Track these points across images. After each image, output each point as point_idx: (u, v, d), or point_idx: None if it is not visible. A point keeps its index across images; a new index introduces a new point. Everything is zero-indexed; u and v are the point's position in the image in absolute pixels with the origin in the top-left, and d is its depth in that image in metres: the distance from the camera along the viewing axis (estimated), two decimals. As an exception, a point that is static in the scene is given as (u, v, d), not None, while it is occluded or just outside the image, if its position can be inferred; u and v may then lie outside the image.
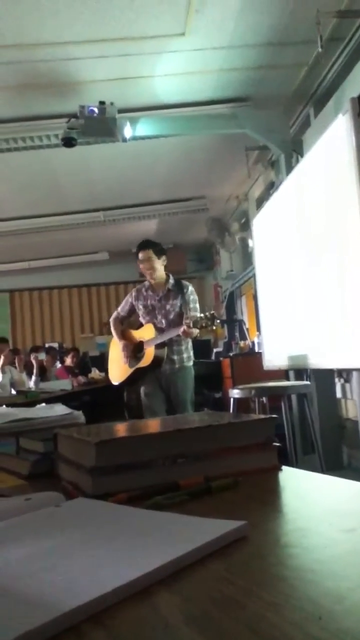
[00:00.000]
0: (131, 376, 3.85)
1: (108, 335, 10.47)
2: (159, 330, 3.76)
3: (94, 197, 6.63)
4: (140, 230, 7.99)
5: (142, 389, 3.87)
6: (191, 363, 3.86)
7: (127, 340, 3.98)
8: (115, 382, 4.11)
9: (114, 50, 3.75)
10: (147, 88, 4.28)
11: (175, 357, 3.77)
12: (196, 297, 3.92)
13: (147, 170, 5.90)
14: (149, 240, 3.96)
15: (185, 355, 3.81)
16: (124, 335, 4.05)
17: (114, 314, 4.17)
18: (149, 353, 3.75)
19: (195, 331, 3.53)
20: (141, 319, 3.98)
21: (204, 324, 3.44)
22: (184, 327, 3.48)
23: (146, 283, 3.97)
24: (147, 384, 3.82)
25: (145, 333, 3.87)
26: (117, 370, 4.06)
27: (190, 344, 3.87)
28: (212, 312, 3.60)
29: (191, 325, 3.45)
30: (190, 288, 3.90)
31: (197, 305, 3.88)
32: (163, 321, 3.82)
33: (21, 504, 0.64)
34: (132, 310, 4.03)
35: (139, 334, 3.96)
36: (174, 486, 0.67)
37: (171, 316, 3.80)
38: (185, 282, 3.94)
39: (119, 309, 4.13)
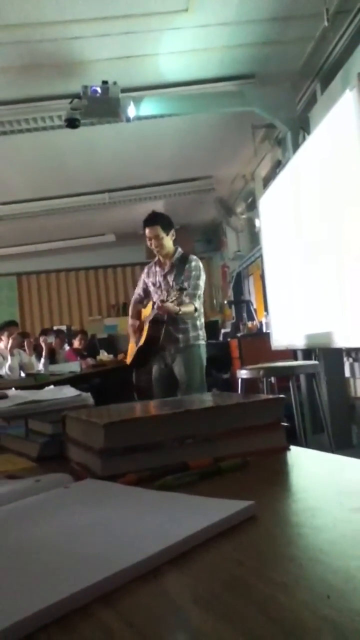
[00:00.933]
0: (137, 356, 3.73)
1: (116, 318, 10.49)
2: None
3: (100, 178, 6.59)
4: (146, 211, 7.91)
5: (152, 374, 3.75)
6: (199, 342, 3.58)
7: (138, 320, 3.85)
8: (128, 363, 4.00)
9: (116, 29, 3.70)
10: (150, 66, 4.23)
11: (180, 336, 3.54)
12: (199, 272, 3.61)
13: (153, 151, 5.85)
14: (155, 213, 3.72)
15: (191, 335, 3.55)
16: (138, 316, 3.90)
17: (133, 297, 4.03)
18: (144, 331, 3.62)
19: (171, 306, 3.29)
20: (152, 296, 3.82)
21: (175, 297, 3.28)
22: (157, 302, 3.32)
23: (156, 258, 3.81)
24: (155, 368, 3.69)
25: (148, 311, 3.75)
26: (130, 350, 3.95)
27: (198, 322, 3.60)
28: (183, 284, 3.41)
29: (169, 299, 3.25)
30: (194, 262, 3.62)
31: (199, 282, 3.58)
32: (156, 296, 3.64)
33: (31, 486, 0.65)
34: (146, 289, 3.87)
35: (145, 313, 3.84)
36: (183, 467, 0.67)
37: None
38: (192, 256, 3.67)
39: (136, 289, 4.00)
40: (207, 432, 0.73)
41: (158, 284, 3.70)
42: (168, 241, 3.63)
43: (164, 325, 3.49)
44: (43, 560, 0.43)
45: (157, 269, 3.75)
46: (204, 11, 3.60)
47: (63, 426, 0.88)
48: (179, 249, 3.69)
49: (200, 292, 3.57)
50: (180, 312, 3.38)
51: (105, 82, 4.04)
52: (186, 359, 3.51)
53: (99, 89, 4.03)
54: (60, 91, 4.40)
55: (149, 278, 3.82)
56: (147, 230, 3.63)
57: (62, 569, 0.41)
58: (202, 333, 3.61)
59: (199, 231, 9.50)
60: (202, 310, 3.63)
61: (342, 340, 3.29)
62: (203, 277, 3.62)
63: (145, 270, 3.90)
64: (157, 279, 3.72)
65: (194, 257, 3.67)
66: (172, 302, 3.30)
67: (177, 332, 3.53)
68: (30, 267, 10.01)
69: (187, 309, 3.44)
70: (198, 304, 3.53)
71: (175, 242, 3.73)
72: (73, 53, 3.93)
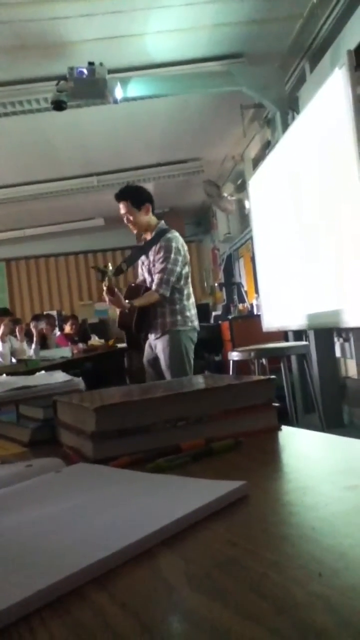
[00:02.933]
0: (128, 341, 3.57)
1: (111, 306, 10.45)
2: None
3: (88, 161, 6.53)
4: (135, 194, 7.90)
5: None
6: (178, 328, 3.19)
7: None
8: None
9: (102, 8, 3.63)
10: (137, 47, 4.16)
11: (158, 321, 3.21)
12: (170, 254, 3.14)
13: (141, 132, 5.79)
14: (126, 187, 3.37)
15: (168, 320, 3.18)
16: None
17: None
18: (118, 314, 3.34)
19: (121, 302, 3.06)
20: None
21: (99, 275, 3.01)
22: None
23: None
24: (146, 352, 3.40)
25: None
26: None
27: (177, 307, 3.20)
28: (104, 264, 3.12)
29: (107, 286, 2.98)
30: (165, 242, 3.17)
31: (168, 265, 3.12)
32: (148, 279, 3.31)
33: (22, 471, 0.65)
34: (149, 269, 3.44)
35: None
36: (175, 449, 0.67)
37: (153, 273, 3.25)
38: (168, 234, 3.21)
39: None
40: (199, 413, 0.73)
41: (142, 262, 3.41)
42: (141, 217, 3.23)
43: (137, 311, 3.16)
44: (35, 545, 0.43)
45: (142, 246, 3.44)
46: (190, -11, 3.54)
47: (54, 411, 0.88)
48: (162, 224, 3.31)
49: (172, 276, 3.13)
50: (136, 305, 3.10)
51: (91, 63, 3.98)
52: (165, 346, 3.20)
53: (85, 70, 3.97)
54: (46, 73, 4.33)
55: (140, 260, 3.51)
56: (120, 206, 3.29)
57: (54, 552, 0.41)
58: (181, 318, 3.21)
59: (188, 214, 9.46)
60: (188, 292, 3.28)
61: (332, 321, 3.30)
62: (176, 257, 3.16)
63: None
64: (141, 259, 3.42)
65: (171, 234, 3.22)
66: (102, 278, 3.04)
67: (156, 317, 3.22)
68: (19, 252, 9.94)
69: (144, 300, 3.14)
70: (165, 290, 3.11)
71: (159, 217, 3.41)
72: (58, 33, 3.86)
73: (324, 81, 3.09)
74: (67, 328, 7.60)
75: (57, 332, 7.65)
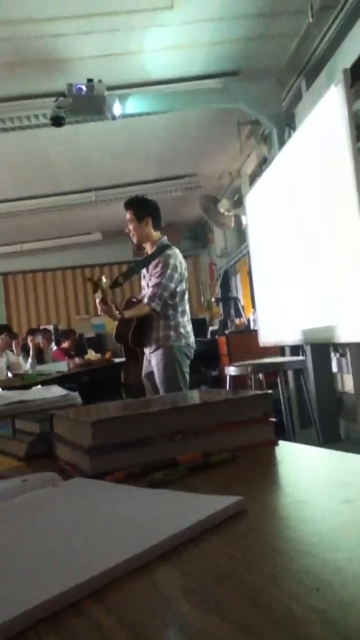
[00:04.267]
0: (125, 354, 3.58)
1: (104, 316, 10.45)
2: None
3: (86, 176, 6.56)
4: (133, 209, 7.93)
5: None
6: (171, 343, 3.19)
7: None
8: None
9: (101, 26, 3.68)
10: (136, 64, 4.21)
11: (152, 335, 3.23)
12: (167, 270, 3.16)
13: (139, 148, 5.84)
14: (133, 198, 3.48)
15: (161, 334, 3.20)
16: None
17: None
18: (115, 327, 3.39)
19: (112, 312, 3.12)
20: None
21: (93, 288, 3.14)
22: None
23: None
24: (144, 365, 3.42)
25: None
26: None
27: (172, 322, 3.22)
28: (99, 278, 3.20)
29: (101, 297, 3.07)
30: (163, 258, 3.20)
31: (163, 280, 3.14)
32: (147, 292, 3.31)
33: (18, 485, 0.64)
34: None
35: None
36: (172, 462, 0.67)
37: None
38: (168, 250, 3.25)
39: None
40: (196, 427, 0.73)
41: (143, 275, 3.44)
42: (142, 229, 3.30)
43: (134, 323, 3.23)
44: (32, 559, 0.43)
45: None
46: (188, 7, 3.59)
47: (51, 425, 0.88)
48: (164, 240, 3.36)
49: (166, 292, 3.15)
50: (126, 316, 3.18)
51: (90, 80, 4.02)
52: (159, 360, 3.21)
53: (84, 87, 4.01)
54: (45, 89, 4.37)
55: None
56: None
57: (52, 566, 0.41)
58: (175, 333, 3.21)
59: (186, 228, 9.50)
60: (183, 309, 3.30)
61: (329, 336, 3.30)
62: (172, 274, 3.18)
63: None
64: (143, 269, 3.45)
65: (171, 251, 3.27)
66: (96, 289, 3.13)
67: (151, 331, 3.24)
68: (16, 266, 9.95)
69: (133, 312, 3.21)
70: (156, 304, 3.13)
71: (162, 232, 3.48)
72: (57, 50, 3.90)
73: (320, 98, 3.12)
74: (65, 343, 7.59)
75: (54, 347, 7.63)
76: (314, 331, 3.49)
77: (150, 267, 3.30)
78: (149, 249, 3.39)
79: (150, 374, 3.33)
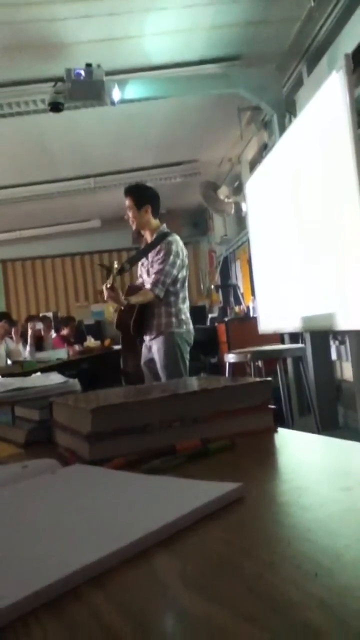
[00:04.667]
0: (123, 343, 3.57)
1: (103, 303, 10.45)
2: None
3: (85, 163, 6.52)
4: (132, 196, 7.88)
5: None
6: (172, 329, 3.23)
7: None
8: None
9: (100, 9, 3.63)
10: (135, 48, 4.17)
11: (153, 322, 3.25)
12: (169, 256, 3.20)
13: (138, 134, 5.79)
14: (132, 185, 3.51)
15: (163, 321, 3.23)
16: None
17: None
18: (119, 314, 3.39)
19: (119, 297, 3.11)
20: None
21: (104, 275, 3.19)
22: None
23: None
24: (143, 352, 3.43)
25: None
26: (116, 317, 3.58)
27: (173, 309, 3.25)
28: (110, 263, 3.18)
29: (109, 285, 3.07)
30: (165, 244, 3.24)
31: (166, 267, 3.18)
32: (147, 280, 3.33)
33: (18, 471, 0.64)
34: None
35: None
36: (171, 450, 0.67)
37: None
38: (169, 237, 3.29)
39: None
40: (195, 415, 0.73)
41: (141, 264, 3.47)
42: (141, 216, 3.32)
43: (136, 310, 3.24)
44: (32, 545, 0.43)
45: (143, 246, 3.52)
46: (188, -9, 3.55)
47: (50, 412, 0.88)
48: (163, 228, 3.38)
49: (168, 278, 3.18)
50: (132, 302, 3.17)
51: (89, 65, 3.98)
52: (160, 347, 3.24)
53: (82, 72, 3.97)
54: (43, 74, 4.33)
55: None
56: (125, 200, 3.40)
57: (51, 553, 0.41)
58: (176, 320, 3.25)
59: (185, 215, 9.46)
60: (184, 295, 3.33)
61: (328, 323, 3.30)
62: (175, 260, 3.22)
63: None
64: (142, 257, 3.47)
65: (172, 237, 3.29)
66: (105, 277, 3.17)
67: (152, 318, 3.27)
68: (15, 253, 9.92)
69: (140, 298, 3.20)
70: (160, 290, 3.16)
71: (161, 220, 3.49)
72: (56, 35, 3.86)
73: (321, 84, 3.10)
74: (64, 331, 7.58)
75: (53, 334, 7.63)
76: (314, 319, 3.49)
77: (151, 254, 3.32)
78: (148, 236, 3.40)
79: (150, 361, 3.34)
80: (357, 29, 3.50)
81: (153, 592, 0.35)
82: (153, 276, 3.19)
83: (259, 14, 3.91)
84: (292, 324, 3.99)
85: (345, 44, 3.60)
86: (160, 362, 3.25)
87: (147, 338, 3.36)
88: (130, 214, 3.34)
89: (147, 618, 0.32)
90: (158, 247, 3.27)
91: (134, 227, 3.42)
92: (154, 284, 3.16)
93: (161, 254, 3.22)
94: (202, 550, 0.40)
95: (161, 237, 3.31)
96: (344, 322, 3.02)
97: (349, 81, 2.73)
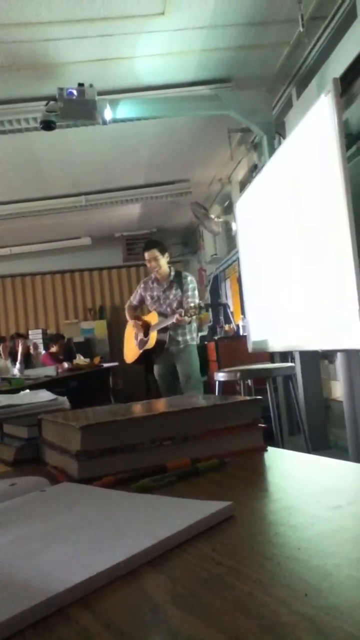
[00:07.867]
0: (141, 357, 4.57)
1: (92, 321, 10.43)
2: (162, 317, 4.44)
3: (76, 181, 6.55)
4: (123, 214, 7.92)
5: (155, 371, 4.61)
6: (194, 343, 4.53)
7: (138, 320, 4.74)
8: (128, 362, 4.89)
9: (93, 31, 3.68)
10: (127, 69, 4.22)
11: (180, 339, 4.44)
12: (195, 286, 4.52)
13: (130, 153, 5.84)
14: (151, 240, 4.71)
15: (188, 337, 4.48)
16: (137, 317, 4.79)
17: (128, 302, 4.93)
18: (153, 337, 4.43)
19: (187, 319, 4.19)
20: (149, 307, 4.69)
21: (192, 313, 4.09)
22: (176, 316, 4.13)
23: (152, 276, 4.61)
24: (158, 366, 4.53)
25: (151, 319, 4.58)
26: (130, 351, 4.81)
27: (193, 327, 4.49)
28: (200, 302, 4.24)
29: (183, 314, 4.10)
30: (189, 278, 4.53)
31: (196, 292, 4.51)
32: (167, 309, 4.49)
33: (6, 490, 0.64)
34: (142, 300, 4.75)
35: (147, 319, 4.68)
36: (161, 468, 0.66)
37: (174, 305, 4.48)
38: (185, 273, 4.58)
39: (132, 298, 4.87)
40: (185, 433, 0.73)
41: (156, 298, 4.57)
42: (164, 262, 4.48)
43: (167, 331, 4.38)
44: (19, 564, 0.43)
45: (155, 285, 4.60)
46: (180, 15, 3.61)
47: (39, 430, 0.87)
48: (172, 268, 4.54)
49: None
50: (191, 322, 4.36)
51: (81, 85, 4.02)
52: (186, 357, 4.42)
53: (75, 92, 4.00)
54: (35, 93, 4.36)
55: (147, 292, 4.66)
56: (146, 254, 4.46)
57: (38, 572, 0.40)
58: (195, 335, 4.56)
59: (176, 234, 9.51)
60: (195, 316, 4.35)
61: (318, 343, 3.32)
62: (195, 292, 4.50)
63: (142, 285, 4.74)
64: (156, 293, 4.58)
65: (188, 274, 4.60)
66: (189, 314, 4.13)
67: (178, 335, 4.43)
68: (5, 270, 9.89)
69: (188, 319, 4.26)
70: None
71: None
72: (49, 55, 3.90)
73: (311, 107, 3.14)
74: (54, 348, 7.55)
75: (42, 351, 7.59)
76: (303, 338, 3.50)
77: (172, 290, 4.52)
78: (164, 276, 4.53)
79: (171, 372, 4.46)
80: (345, 53, 3.57)
81: (142, 611, 0.35)
82: (186, 307, 4.25)
83: (250, 39, 3.98)
84: (281, 343, 4.00)
85: (333, 68, 3.67)
86: (185, 367, 4.45)
87: (172, 351, 4.45)
88: (158, 263, 4.44)
89: (137, 637, 0.32)
90: (185, 286, 4.47)
91: (161, 272, 4.48)
92: (187, 312, 4.17)
93: (189, 288, 4.50)
94: (192, 569, 0.40)
95: (179, 275, 4.57)
96: (333, 342, 3.03)
97: (337, 104, 2.77)
